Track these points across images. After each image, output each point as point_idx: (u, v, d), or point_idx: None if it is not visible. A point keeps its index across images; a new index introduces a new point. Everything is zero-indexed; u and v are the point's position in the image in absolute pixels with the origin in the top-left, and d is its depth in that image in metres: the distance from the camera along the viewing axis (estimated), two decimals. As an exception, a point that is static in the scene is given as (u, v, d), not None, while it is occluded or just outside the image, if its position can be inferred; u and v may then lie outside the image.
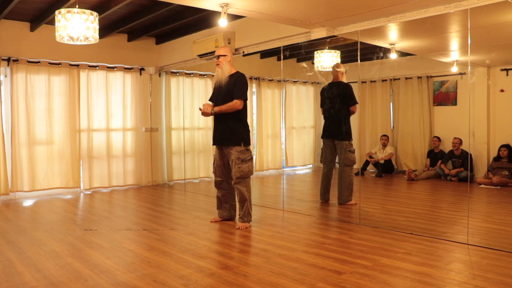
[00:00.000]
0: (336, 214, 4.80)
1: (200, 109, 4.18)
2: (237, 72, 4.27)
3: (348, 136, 5.13)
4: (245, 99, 4.20)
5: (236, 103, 4.13)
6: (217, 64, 4.29)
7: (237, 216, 4.47)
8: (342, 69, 5.28)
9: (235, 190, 4.30)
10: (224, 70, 4.26)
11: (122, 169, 6.94)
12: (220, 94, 4.26)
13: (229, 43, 5.54)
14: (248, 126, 4.32)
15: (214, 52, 5.75)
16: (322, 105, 5.39)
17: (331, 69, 5.48)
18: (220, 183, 4.40)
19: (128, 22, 5.88)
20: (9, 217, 4.83)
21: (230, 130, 4.18)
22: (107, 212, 5.10)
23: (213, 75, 7.53)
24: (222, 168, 4.37)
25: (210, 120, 7.57)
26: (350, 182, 5.15)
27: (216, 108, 4.14)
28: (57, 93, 6.33)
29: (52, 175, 6.29)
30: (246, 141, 4.22)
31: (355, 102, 5.18)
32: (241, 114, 4.23)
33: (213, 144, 4.38)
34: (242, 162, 4.15)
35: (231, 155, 4.19)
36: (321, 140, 5.40)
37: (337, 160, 5.29)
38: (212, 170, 4.48)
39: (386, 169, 7.61)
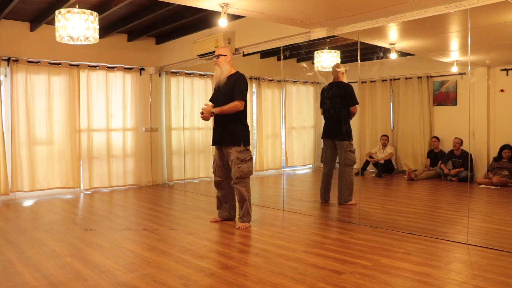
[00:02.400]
0: (336, 214, 4.80)
1: (202, 113, 4.13)
2: (237, 72, 4.26)
3: (348, 136, 5.13)
4: (245, 100, 4.19)
5: (237, 105, 4.12)
6: (216, 64, 4.28)
7: (237, 216, 4.48)
8: (342, 69, 5.27)
9: (235, 190, 4.30)
10: (223, 70, 4.25)
11: (122, 169, 6.94)
12: (219, 95, 4.26)
13: (229, 43, 5.54)
14: (247, 126, 4.31)
15: (214, 52, 5.75)
16: (322, 105, 5.39)
17: (331, 70, 5.48)
18: (219, 183, 4.40)
19: (128, 22, 5.88)
20: (9, 217, 4.83)
21: (230, 130, 4.18)
22: (107, 212, 5.10)
23: (213, 75, 7.52)
24: (222, 168, 4.37)
25: (210, 120, 7.55)
26: (350, 182, 5.15)
27: (216, 109, 4.12)
28: (57, 93, 6.33)
29: (52, 175, 6.29)
30: (246, 141, 4.22)
31: (355, 103, 5.17)
32: (241, 114, 4.22)
33: (213, 145, 4.38)
34: (242, 162, 4.15)
35: (231, 155, 4.19)
36: (321, 140, 5.40)
37: (337, 160, 5.29)
38: (212, 170, 4.48)
39: (386, 169, 7.61)
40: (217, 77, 4.29)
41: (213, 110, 4.12)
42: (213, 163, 4.44)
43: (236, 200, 4.36)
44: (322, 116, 5.41)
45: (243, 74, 4.28)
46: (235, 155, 4.16)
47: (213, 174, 4.48)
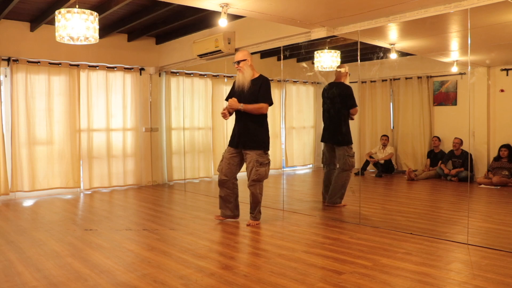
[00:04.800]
0: (336, 214, 4.80)
1: (225, 111, 4.17)
2: (261, 76, 4.30)
3: (347, 140, 5.02)
4: (271, 104, 4.24)
5: (263, 106, 4.18)
6: (238, 70, 4.29)
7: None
8: (345, 70, 5.18)
9: (249, 192, 4.31)
10: (246, 75, 4.26)
11: (122, 169, 6.94)
12: (243, 99, 4.21)
13: (229, 43, 5.54)
14: (268, 131, 4.33)
15: (214, 52, 5.77)
16: (323, 106, 5.34)
17: (331, 70, 5.44)
18: (224, 182, 4.34)
19: (128, 22, 5.88)
20: (9, 217, 4.83)
21: (252, 133, 4.20)
22: (107, 212, 5.10)
23: (213, 75, 7.54)
24: (231, 167, 4.31)
25: (210, 120, 7.58)
26: (344, 185, 5.08)
27: (244, 106, 4.14)
28: (57, 93, 6.33)
29: (52, 175, 6.29)
30: (266, 146, 4.26)
31: (354, 105, 5.05)
32: (264, 119, 4.27)
33: (230, 146, 4.34)
34: (261, 165, 4.18)
35: (250, 157, 4.19)
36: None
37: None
38: (218, 168, 4.41)
39: (386, 169, 7.61)
40: (240, 81, 4.28)
41: (240, 106, 4.14)
42: (221, 160, 4.38)
43: (250, 201, 4.37)
44: (322, 118, 5.34)
45: (267, 77, 4.30)
46: (254, 158, 4.17)
47: (218, 172, 4.40)
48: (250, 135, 4.20)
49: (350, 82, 5.26)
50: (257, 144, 4.19)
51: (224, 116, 4.24)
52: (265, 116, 4.27)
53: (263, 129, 4.25)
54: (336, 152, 5.10)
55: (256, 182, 4.22)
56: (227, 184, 4.36)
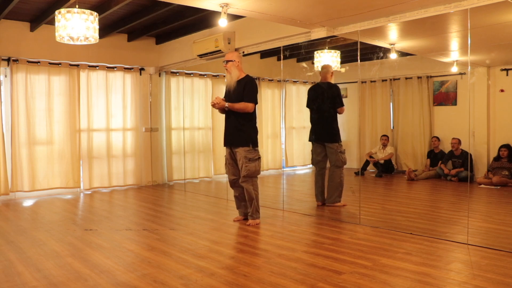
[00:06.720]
0: (336, 214, 4.80)
1: (213, 105, 4.26)
2: (246, 77, 4.35)
3: (337, 138, 5.10)
4: (256, 103, 4.29)
5: (248, 105, 4.22)
6: (226, 70, 4.40)
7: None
8: (331, 69, 5.26)
9: (243, 189, 4.35)
10: (232, 75, 4.35)
11: (122, 169, 6.94)
12: (230, 99, 4.32)
13: (229, 43, 5.54)
14: (256, 128, 4.39)
15: (214, 52, 5.78)
16: (309, 105, 5.32)
17: (319, 70, 5.46)
18: (234, 182, 4.46)
19: (128, 22, 5.88)
20: (9, 217, 4.83)
21: (239, 131, 4.27)
22: (107, 212, 5.10)
23: (213, 75, 7.56)
24: (235, 166, 4.42)
25: (210, 120, 7.58)
26: (340, 183, 5.10)
27: (229, 104, 4.21)
28: (57, 93, 6.33)
29: (52, 175, 6.29)
30: (254, 142, 4.30)
31: (342, 104, 5.13)
32: (251, 116, 4.31)
33: (224, 145, 4.45)
34: (250, 161, 4.23)
35: (239, 154, 4.27)
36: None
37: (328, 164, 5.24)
38: (226, 170, 4.54)
39: (386, 169, 7.61)
40: (228, 81, 4.40)
41: (226, 105, 4.21)
42: (226, 162, 4.51)
43: (246, 198, 4.41)
44: (310, 117, 5.34)
45: (253, 77, 4.36)
46: (243, 154, 4.24)
47: (227, 174, 4.53)
48: (237, 133, 4.28)
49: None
50: (244, 140, 4.25)
51: (213, 105, 4.31)
52: (252, 114, 4.32)
53: (249, 126, 4.30)
54: (327, 150, 5.15)
55: (248, 178, 4.26)
56: (237, 183, 4.44)
